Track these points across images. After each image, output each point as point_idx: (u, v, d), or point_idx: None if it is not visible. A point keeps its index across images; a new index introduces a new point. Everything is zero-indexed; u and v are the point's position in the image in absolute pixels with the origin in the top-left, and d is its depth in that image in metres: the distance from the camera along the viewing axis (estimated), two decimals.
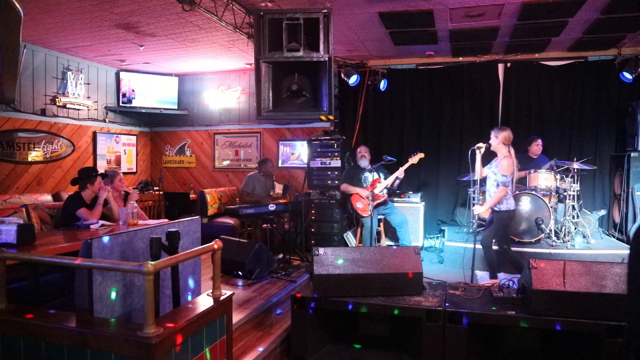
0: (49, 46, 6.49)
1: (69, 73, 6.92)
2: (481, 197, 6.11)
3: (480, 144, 4.66)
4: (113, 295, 2.49)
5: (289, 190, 6.38)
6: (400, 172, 5.60)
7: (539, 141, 6.23)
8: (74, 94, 6.99)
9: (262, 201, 6.11)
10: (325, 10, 4.08)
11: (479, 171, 4.76)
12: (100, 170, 5.80)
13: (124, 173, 8.08)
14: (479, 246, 5.66)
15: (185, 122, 8.62)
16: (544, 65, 6.75)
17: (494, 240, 4.73)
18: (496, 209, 4.58)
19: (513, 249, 5.47)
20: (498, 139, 4.58)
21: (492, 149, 4.66)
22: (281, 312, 4.09)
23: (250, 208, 5.19)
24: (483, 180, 4.82)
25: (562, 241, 5.61)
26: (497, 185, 4.52)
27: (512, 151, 4.60)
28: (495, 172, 4.58)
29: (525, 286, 3.28)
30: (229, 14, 5.04)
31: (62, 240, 3.45)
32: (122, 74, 7.87)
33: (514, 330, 3.44)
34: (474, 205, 4.78)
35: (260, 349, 3.34)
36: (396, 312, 3.32)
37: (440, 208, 7.26)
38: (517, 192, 5.59)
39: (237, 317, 3.50)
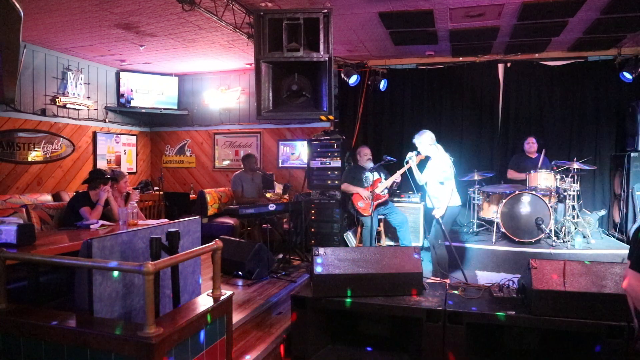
0: (49, 46, 6.49)
1: (69, 73, 6.92)
2: (481, 197, 6.13)
3: (410, 153, 4.82)
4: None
5: (289, 190, 6.38)
6: (397, 176, 5.60)
7: (531, 139, 6.28)
8: (74, 94, 6.99)
9: (255, 202, 6.10)
10: (325, 10, 4.08)
11: (419, 178, 4.93)
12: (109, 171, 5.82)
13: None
14: (477, 245, 5.69)
15: (185, 122, 8.62)
16: (544, 65, 6.75)
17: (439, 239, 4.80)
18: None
19: (513, 248, 5.50)
20: (423, 143, 4.75)
21: (424, 154, 4.81)
22: (281, 312, 4.09)
23: (250, 208, 5.19)
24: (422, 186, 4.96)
25: (562, 241, 5.61)
26: (440, 183, 4.63)
27: (441, 147, 4.77)
28: (434, 173, 4.69)
29: (525, 286, 3.28)
30: (229, 14, 5.04)
31: (62, 240, 3.45)
32: (122, 74, 7.87)
33: (514, 330, 3.44)
34: (434, 210, 4.82)
35: (260, 349, 3.34)
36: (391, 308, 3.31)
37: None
38: (517, 192, 5.60)
39: (237, 317, 3.50)
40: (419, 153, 4.84)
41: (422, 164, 6.38)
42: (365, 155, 5.92)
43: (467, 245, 5.75)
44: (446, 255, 4.77)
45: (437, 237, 4.75)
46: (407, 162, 4.86)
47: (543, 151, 6.08)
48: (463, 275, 4.66)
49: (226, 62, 7.50)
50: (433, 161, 4.77)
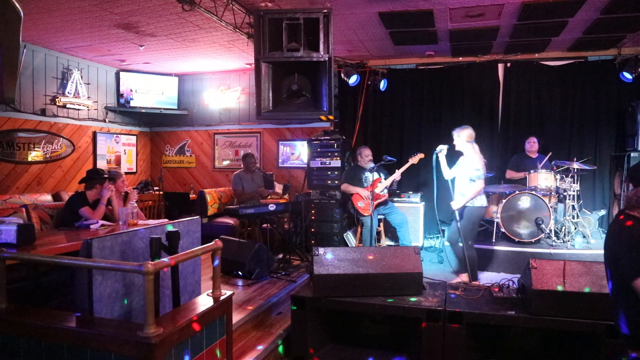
0: (49, 46, 6.49)
1: (69, 73, 6.92)
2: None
3: (441, 146, 4.79)
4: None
5: (289, 190, 6.38)
6: (397, 175, 5.62)
7: (532, 139, 6.27)
8: (73, 93, 6.99)
9: (255, 196, 6.11)
10: (325, 10, 4.08)
11: (447, 173, 4.88)
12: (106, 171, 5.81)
13: (124, 173, 8.08)
14: (477, 245, 5.68)
15: (185, 122, 8.62)
16: (544, 65, 6.75)
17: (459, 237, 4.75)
18: (469, 204, 4.62)
19: (513, 248, 5.50)
20: (461, 138, 4.70)
21: (457, 148, 4.77)
22: (281, 312, 4.09)
23: (250, 208, 5.19)
24: (453, 181, 4.90)
25: (562, 241, 5.61)
26: (472, 181, 4.57)
27: (477, 147, 4.73)
28: (466, 170, 4.64)
29: (525, 286, 3.28)
30: (229, 14, 5.04)
31: (62, 240, 3.45)
32: (122, 74, 7.87)
33: (514, 330, 3.44)
34: (452, 201, 4.80)
35: (260, 349, 3.34)
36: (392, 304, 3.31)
37: (440, 208, 7.24)
38: (517, 192, 5.60)
39: (237, 317, 3.50)
40: (454, 146, 4.77)
41: (418, 165, 6.41)
42: (367, 157, 5.92)
43: None
44: (462, 254, 4.72)
45: (458, 235, 4.69)
46: (436, 155, 4.79)
47: (549, 154, 6.04)
48: (468, 277, 4.63)
49: (226, 62, 7.50)
50: (466, 158, 4.71)
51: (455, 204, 4.70)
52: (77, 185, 7.00)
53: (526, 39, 6.02)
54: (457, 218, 4.71)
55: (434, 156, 4.82)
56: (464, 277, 4.66)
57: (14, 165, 6.28)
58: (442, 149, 4.79)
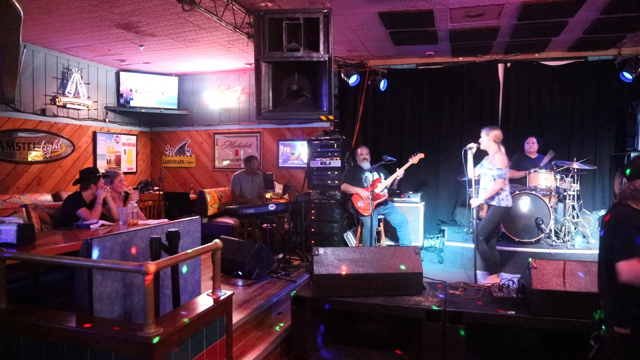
0: (49, 46, 6.49)
1: (69, 73, 6.92)
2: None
3: (472, 144, 4.75)
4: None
5: (289, 190, 6.38)
6: (400, 172, 5.62)
7: (531, 139, 6.26)
8: (73, 93, 6.98)
9: (252, 203, 6.10)
10: (325, 10, 4.08)
11: (472, 171, 4.84)
12: (101, 170, 5.79)
13: (124, 173, 8.08)
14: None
15: (185, 122, 8.62)
16: (544, 65, 6.75)
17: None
18: (495, 203, 4.61)
19: (513, 249, 5.50)
20: (489, 137, 4.69)
21: (482, 147, 4.76)
22: (281, 312, 4.09)
23: (250, 208, 5.19)
24: (477, 181, 4.89)
25: (562, 241, 5.61)
26: (494, 179, 4.57)
27: (503, 149, 4.72)
28: (490, 168, 4.64)
29: (525, 286, 3.28)
30: (229, 14, 5.04)
31: (62, 240, 3.45)
32: (122, 74, 7.87)
33: (514, 330, 3.44)
34: (470, 198, 4.81)
35: (260, 349, 3.34)
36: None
37: (440, 208, 7.26)
38: (517, 192, 5.60)
39: (237, 317, 3.50)
40: (480, 145, 4.74)
41: (418, 165, 6.40)
42: (361, 155, 5.93)
43: (467, 245, 5.75)
44: (488, 252, 4.71)
45: (481, 233, 4.66)
46: (465, 152, 4.75)
47: (552, 154, 6.03)
48: (475, 278, 4.62)
49: (226, 62, 7.50)
50: (490, 157, 4.70)
51: (475, 202, 4.72)
52: (76, 185, 7.01)
53: (526, 39, 6.02)
54: (474, 216, 4.73)
55: (463, 153, 4.78)
56: (493, 279, 4.56)
57: (14, 165, 6.28)
58: (472, 147, 4.74)
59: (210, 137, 8.50)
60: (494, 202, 4.63)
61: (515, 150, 6.75)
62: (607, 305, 2.11)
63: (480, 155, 4.87)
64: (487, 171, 4.69)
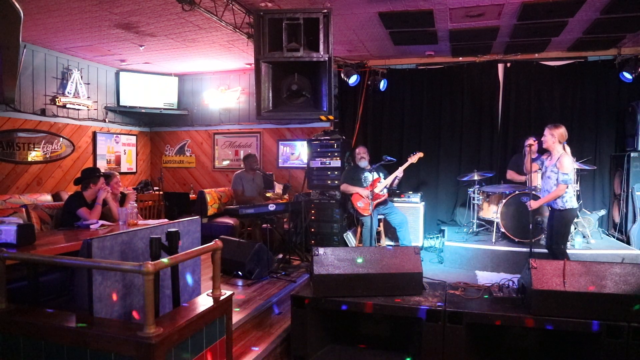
0: (49, 46, 6.49)
1: (69, 73, 6.92)
2: (481, 197, 6.12)
3: (531, 141, 4.60)
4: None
5: (289, 190, 6.38)
6: (399, 172, 5.63)
7: (531, 140, 6.23)
8: (73, 93, 6.99)
9: (254, 201, 6.10)
10: (325, 10, 4.07)
11: (529, 167, 4.66)
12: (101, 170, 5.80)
13: (124, 173, 8.09)
14: (476, 245, 5.69)
15: (185, 122, 8.62)
16: (544, 65, 6.75)
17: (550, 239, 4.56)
18: (560, 207, 4.38)
19: (513, 248, 5.50)
20: (555, 137, 4.37)
21: (545, 146, 4.48)
22: (281, 312, 4.09)
23: (250, 208, 5.19)
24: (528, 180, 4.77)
25: None
26: (557, 183, 4.33)
27: (569, 149, 4.43)
28: (554, 171, 4.36)
29: (525, 286, 3.28)
30: (229, 14, 5.04)
31: (62, 240, 3.45)
32: (122, 74, 7.87)
33: (514, 330, 3.44)
34: (528, 200, 4.59)
35: (261, 349, 3.34)
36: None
37: (440, 208, 7.26)
38: (517, 192, 5.60)
39: (237, 317, 3.50)
40: (542, 143, 4.49)
41: (418, 165, 6.40)
42: (358, 154, 5.94)
43: (467, 245, 5.75)
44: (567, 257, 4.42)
45: (561, 242, 4.43)
46: (525, 148, 4.60)
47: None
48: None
49: (226, 62, 7.50)
50: (556, 159, 4.37)
51: (534, 204, 4.52)
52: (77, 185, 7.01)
53: (526, 39, 6.03)
54: (531, 217, 4.54)
55: (524, 149, 4.66)
56: None
57: (14, 165, 6.28)
58: (531, 144, 4.58)
59: (210, 137, 8.50)
60: (557, 206, 4.38)
61: (515, 150, 6.75)
62: None
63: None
64: (552, 174, 4.40)
